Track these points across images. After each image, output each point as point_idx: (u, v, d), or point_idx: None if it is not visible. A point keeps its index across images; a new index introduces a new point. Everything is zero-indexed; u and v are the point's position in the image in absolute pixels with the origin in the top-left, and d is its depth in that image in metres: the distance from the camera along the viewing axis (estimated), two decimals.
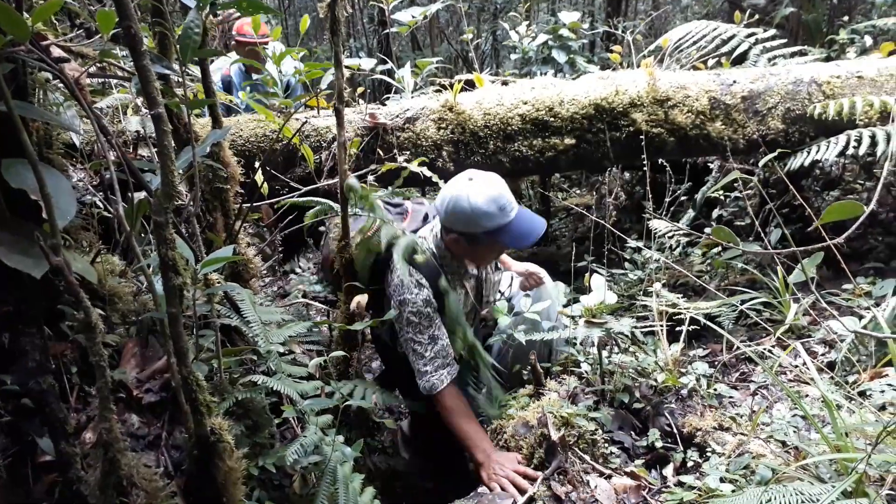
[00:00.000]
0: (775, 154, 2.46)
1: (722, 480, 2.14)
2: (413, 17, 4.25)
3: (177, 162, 1.64)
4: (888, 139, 3.13)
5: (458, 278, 2.63)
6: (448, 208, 2.34)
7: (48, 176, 1.29)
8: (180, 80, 1.65)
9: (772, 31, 4.19)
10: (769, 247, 3.41)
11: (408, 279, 2.36)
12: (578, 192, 5.33)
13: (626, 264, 3.74)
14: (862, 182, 4.32)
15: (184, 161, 1.60)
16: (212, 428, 1.42)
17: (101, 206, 1.98)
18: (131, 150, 2.62)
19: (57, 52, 1.64)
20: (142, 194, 1.78)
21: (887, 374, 2.41)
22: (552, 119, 3.52)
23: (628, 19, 7.27)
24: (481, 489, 2.36)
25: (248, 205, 2.08)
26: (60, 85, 1.71)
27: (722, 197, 4.06)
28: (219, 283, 1.66)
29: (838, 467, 1.96)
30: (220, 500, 1.51)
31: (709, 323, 2.86)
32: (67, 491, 1.43)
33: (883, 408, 2.18)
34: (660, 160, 3.75)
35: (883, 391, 2.22)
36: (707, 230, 3.43)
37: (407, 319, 2.42)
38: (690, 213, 4.05)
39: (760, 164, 3.41)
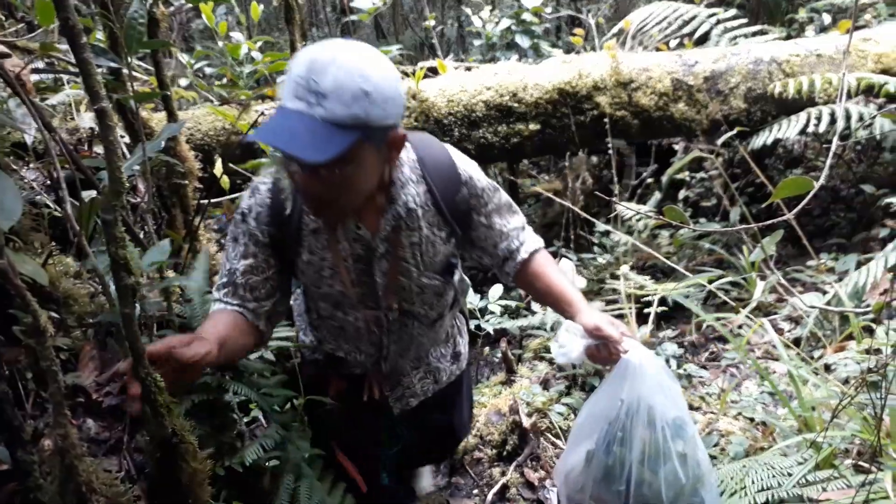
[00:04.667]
0: (734, 133, 2.47)
1: None
2: (374, 3, 4.20)
3: (131, 158, 1.59)
4: (847, 116, 3.17)
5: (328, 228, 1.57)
6: (381, 93, 1.29)
7: None
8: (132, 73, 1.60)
9: (733, 11, 4.21)
10: (728, 225, 3.44)
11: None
12: (546, 178, 5.33)
13: (595, 248, 3.75)
14: (824, 159, 4.38)
15: (138, 157, 1.55)
16: (173, 429, 1.39)
17: (52, 206, 1.93)
18: (86, 148, 2.55)
19: None
20: (93, 193, 1.74)
21: (851, 348, 2.45)
22: (516, 105, 3.51)
23: (592, 2, 7.27)
24: (454, 479, 2.36)
25: (207, 200, 2.03)
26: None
27: (688, 178, 4.09)
28: (163, 279, 1.62)
29: (804, 441, 1.99)
30: (186, 502, 1.48)
31: (679, 301, 2.88)
32: (27, 500, 1.39)
33: (846, 381, 2.22)
34: (626, 143, 3.76)
35: (846, 364, 2.26)
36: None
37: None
38: (657, 196, 4.07)
39: (719, 142, 3.44)
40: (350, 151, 1.27)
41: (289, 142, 1.24)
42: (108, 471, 1.40)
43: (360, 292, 1.63)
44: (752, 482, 1.77)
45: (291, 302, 1.88)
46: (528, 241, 1.80)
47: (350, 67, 1.25)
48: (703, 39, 4.16)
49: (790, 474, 1.75)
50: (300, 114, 1.26)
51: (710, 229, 2.74)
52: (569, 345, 1.62)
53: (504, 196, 1.74)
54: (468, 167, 1.64)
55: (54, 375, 1.22)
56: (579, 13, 5.70)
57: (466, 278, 1.94)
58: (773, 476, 1.77)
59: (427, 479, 2.42)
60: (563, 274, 1.81)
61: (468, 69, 3.94)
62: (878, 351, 2.27)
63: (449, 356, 1.96)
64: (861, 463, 1.82)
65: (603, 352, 1.60)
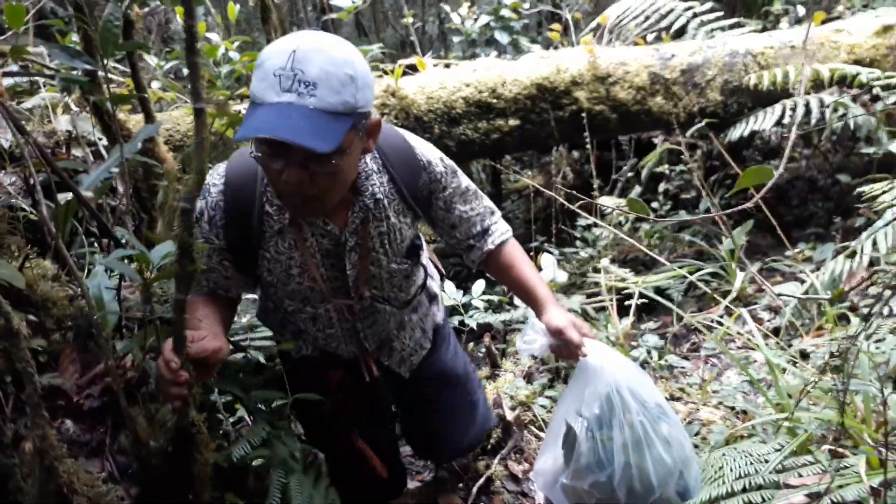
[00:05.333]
0: (704, 123, 2.48)
1: None
2: (354, 2, 4.19)
3: (109, 160, 1.60)
4: (821, 105, 3.21)
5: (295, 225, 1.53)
6: (363, 79, 1.31)
7: None
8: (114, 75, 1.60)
9: (709, 4, 4.25)
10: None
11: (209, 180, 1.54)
12: (529, 173, 5.35)
13: (577, 242, 3.77)
14: (800, 150, 4.44)
15: (115, 159, 1.56)
16: (192, 420, 1.40)
17: (28, 209, 1.92)
18: (64, 151, 2.54)
19: None
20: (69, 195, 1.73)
21: (827, 336, 2.49)
22: (496, 101, 3.52)
23: None
24: (440, 474, 2.38)
25: None
26: None
27: (667, 171, 4.13)
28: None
29: (780, 427, 2.02)
30: (188, 497, 1.48)
31: (657, 298, 2.91)
32: (7, 503, 1.39)
33: (823, 369, 2.25)
34: (606, 137, 3.78)
35: (821, 351, 2.30)
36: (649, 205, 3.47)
37: None
38: (638, 189, 4.10)
39: (688, 133, 3.47)
40: (344, 140, 1.28)
41: (293, 133, 1.20)
42: (89, 472, 1.41)
43: (330, 286, 1.62)
44: (731, 469, 1.80)
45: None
46: (495, 230, 1.81)
47: (333, 55, 1.26)
48: (680, 33, 4.19)
49: (767, 461, 1.78)
50: (291, 105, 1.23)
51: (677, 219, 2.77)
52: (533, 342, 1.70)
53: (464, 180, 1.72)
54: (426, 152, 1.64)
55: (30, 377, 1.22)
56: (558, 8, 5.72)
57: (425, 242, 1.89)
58: (751, 463, 1.80)
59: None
60: (532, 266, 1.84)
61: (447, 66, 3.95)
62: (852, 338, 2.31)
63: (426, 302, 1.93)
64: (837, 448, 1.85)
65: (565, 351, 1.69)
